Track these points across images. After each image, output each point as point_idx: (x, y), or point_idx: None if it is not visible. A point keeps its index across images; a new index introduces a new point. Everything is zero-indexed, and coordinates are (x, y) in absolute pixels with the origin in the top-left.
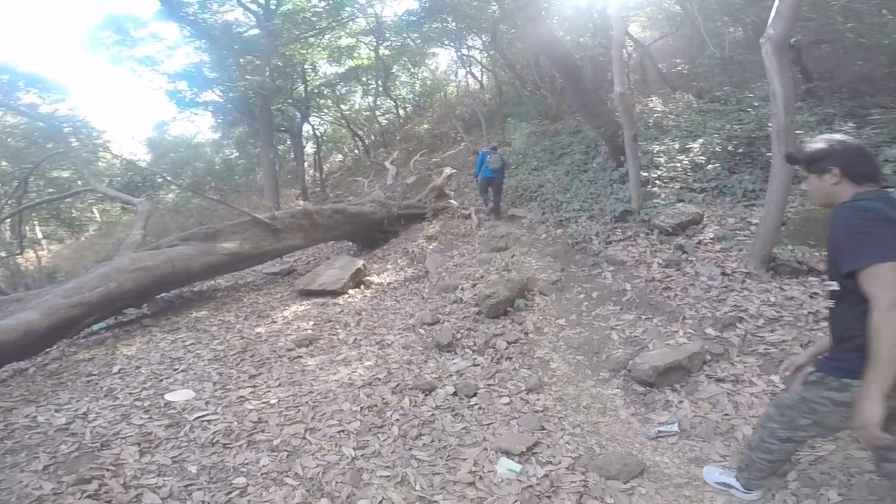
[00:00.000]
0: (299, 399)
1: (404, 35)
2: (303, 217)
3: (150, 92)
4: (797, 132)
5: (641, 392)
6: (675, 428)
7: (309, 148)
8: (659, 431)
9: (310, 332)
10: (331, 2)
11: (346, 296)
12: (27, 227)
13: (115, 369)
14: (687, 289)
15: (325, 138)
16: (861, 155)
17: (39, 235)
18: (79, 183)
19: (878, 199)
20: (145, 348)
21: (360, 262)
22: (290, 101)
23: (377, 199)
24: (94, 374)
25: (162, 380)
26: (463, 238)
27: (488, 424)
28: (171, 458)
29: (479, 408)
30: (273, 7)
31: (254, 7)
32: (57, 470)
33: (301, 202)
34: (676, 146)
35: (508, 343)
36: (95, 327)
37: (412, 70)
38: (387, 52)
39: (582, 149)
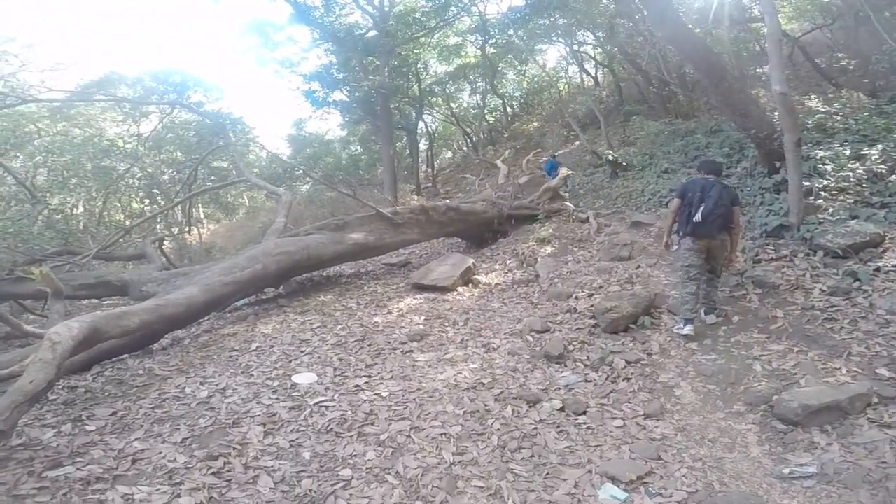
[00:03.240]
0: (408, 395)
1: (510, 33)
2: (420, 213)
3: (289, 92)
4: None
5: (782, 430)
6: (813, 469)
7: (422, 145)
8: (792, 472)
9: (421, 326)
10: (438, 1)
11: (456, 293)
12: (193, 210)
13: (253, 346)
14: (857, 322)
15: (436, 135)
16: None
17: (202, 216)
18: (233, 173)
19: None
20: (279, 328)
21: (470, 261)
22: (406, 99)
23: (488, 197)
24: (236, 350)
25: (291, 360)
26: (579, 243)
27: (596, 446)
28: (290, 441)
29: (588, 427)
30: (387, 9)
31: (370, 9)
32: (192, 444)
33: (415, 197)
34: (847, 152)
35: (628, 362)
36: (239, 304)
37: (519, 67)
38: (493, 49)
39: (724, 151)
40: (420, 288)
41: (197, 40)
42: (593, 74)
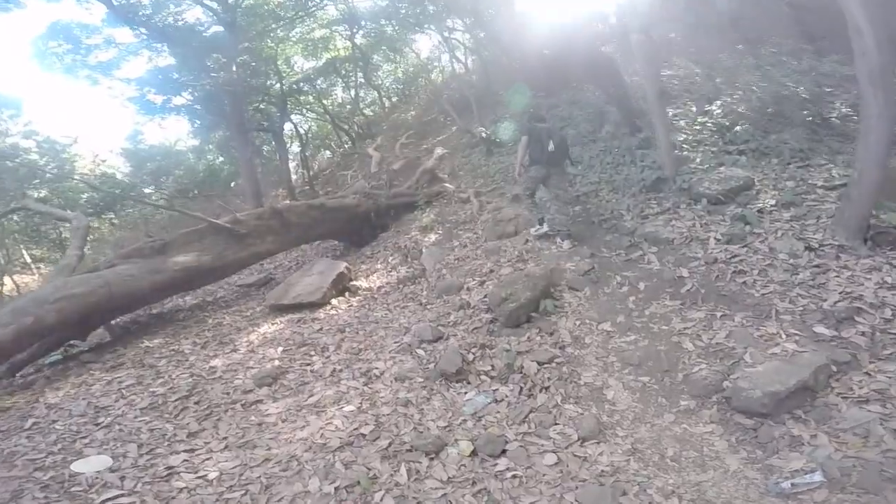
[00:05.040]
0: (249, 472)
1: (382, 22)
2: (271, 217)
3: (114, 101)
4: None
5: (750, 427)
6: (818, 477)
7: (296, 147)
8: (794, 485)
9: (277, 362)
10: None
11: (328, 307)
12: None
13: (29, 423)
14: (766, 271)
15: (310, 136)
16: None
17: (26, 258)
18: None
19: None
20: (73, 393)
21: (342, 265)
22: (266, 99)
23: (361, 189)
24: (2, 430)
25: (78, 439)
26: (463, 226)
27: None
28: None
29: (513, 475)
30: (232, 1)
31: (213, 4)
32: None
33: (288, 203)
34: (693, 109)
35: (540, 364)
36: (47, 360)
37: (393, 58)
38: (364, 41)
39: (586, 117)
40: (282, 309)
41: None
42: (464, 61)
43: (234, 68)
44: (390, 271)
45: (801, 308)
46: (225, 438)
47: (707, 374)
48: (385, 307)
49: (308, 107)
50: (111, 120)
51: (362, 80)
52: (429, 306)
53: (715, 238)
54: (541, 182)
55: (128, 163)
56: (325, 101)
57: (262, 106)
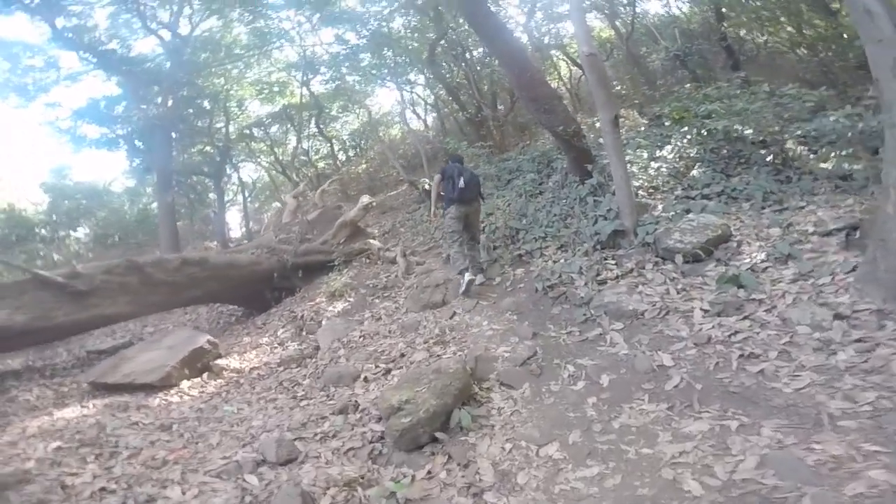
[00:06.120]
0: None
1: (343, 69)
2: (127, 272)
3: (45, 129)
4: None
5: None
6: None
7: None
8: None
9: (30, 464)
10: (253, 27)
11: (172, 392)
12: None
13: None
14: (788, 352)
15: (258, 184)
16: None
17: None
18: None
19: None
20: None
21: (203, 339)
22: (210, 141)
23: (266, 243)
24: None
25: None
26: (383, 292)
27: None
28: None
29: None
30: (185, 35)
31: (163, 32)
32: None
33: (157, 256)
34: (645, 155)
35: None
36: None
37: (352, 108)
38: (322, 89)
39: (532, 167)
40: (108, 389)
41: None
42: (422, 117)
43: (169, 102)
44: (275, 348)
45: (867, 407)
46: None
47: None
48: (246, 399)
49: (261, 155)
50: (43, 150)
51: (316, 130)
52: (303, 402)
53: (702, 308)
54: (462, 221)
55: (49, 198)
56: (276, 150)
57: (208, 149)
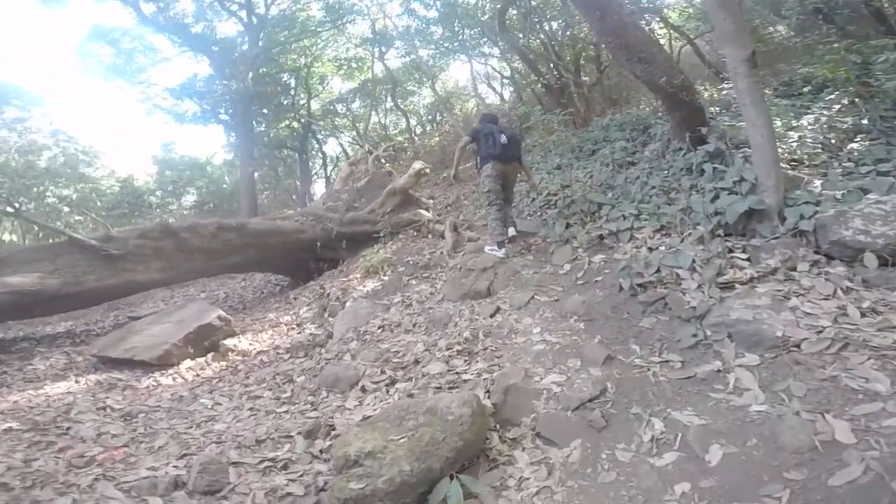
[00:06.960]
0: None
1: (416, 42)
2: (162, 237)
3: (150, 107)
4: None
5: None
6: None
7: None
8: None
9: None
10: (325, 2)
11: (170, 372)
12: None
13: None
14: None
15: (341, 159)
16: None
17: None
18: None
19: None
20: None
21: (213, 315)
22: (296, 117)
23: (313, 211)
24: None
25: None
26: (423, 271)
27: None
28: None
29: None
30: (261, 14)
31: (240, 11)
32: None
33: (193, 221)
34: (778, 123)
35: None
36: None
37: (425, 82)
38: (398, 63)
39: (623, 135)
40: (109, 363)
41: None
42: (498, 91)
43: (249, 76)
44: (292, 328)
45: None
46: None
47: None
48: (231, 391)
49: (343, 130)
50: (150, 127)
51: (393, 105)
52: (283, 407)
53: None
54: (500, 180)
55: (158, 170)
56: (359, 125)
57: (295, 124)
